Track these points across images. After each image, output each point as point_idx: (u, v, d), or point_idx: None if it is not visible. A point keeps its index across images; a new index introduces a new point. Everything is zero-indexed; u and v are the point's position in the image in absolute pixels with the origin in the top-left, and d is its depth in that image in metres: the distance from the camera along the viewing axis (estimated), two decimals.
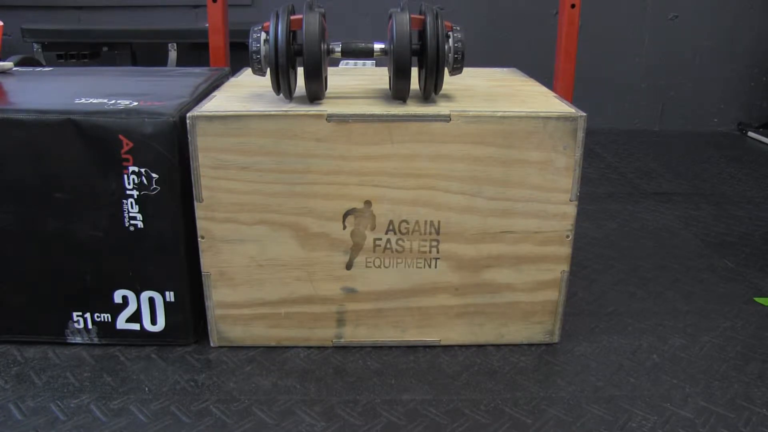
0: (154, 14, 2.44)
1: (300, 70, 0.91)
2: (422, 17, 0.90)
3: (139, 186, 0.91)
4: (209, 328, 0.99)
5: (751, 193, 1.77)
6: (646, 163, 2.08)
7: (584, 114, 0.90)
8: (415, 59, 0.91)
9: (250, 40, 0.90)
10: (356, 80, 1.14)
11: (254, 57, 0.90)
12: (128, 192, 0.91)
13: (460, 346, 1.01)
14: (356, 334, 1.00)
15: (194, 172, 0.90)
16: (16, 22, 2.16)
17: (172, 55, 2.14)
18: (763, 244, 1.42)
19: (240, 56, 1.32)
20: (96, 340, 1.00)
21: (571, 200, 0.93)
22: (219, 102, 0.94)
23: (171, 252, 0.94)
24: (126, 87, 1.06)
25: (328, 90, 0.99)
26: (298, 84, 0.96)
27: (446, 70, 0.92)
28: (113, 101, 0.94)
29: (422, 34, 0.90)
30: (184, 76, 1.16)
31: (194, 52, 2.15)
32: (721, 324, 1.09)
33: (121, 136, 0.89)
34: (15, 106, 0.92)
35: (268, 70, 0.91)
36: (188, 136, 0.88)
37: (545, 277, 0.97)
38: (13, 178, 0.91)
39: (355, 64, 1.63)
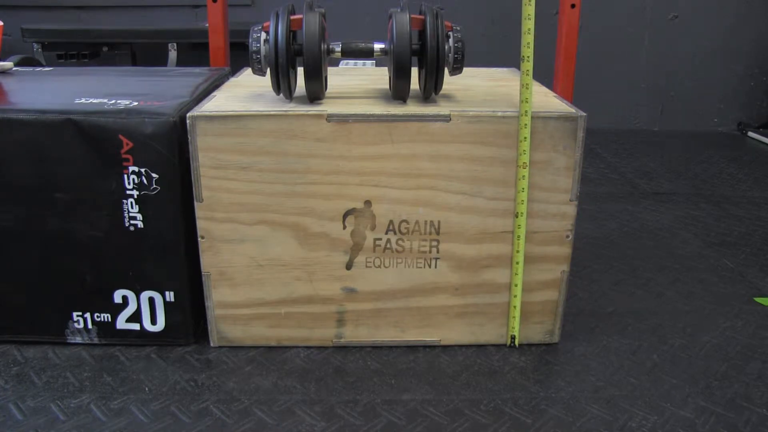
0: (154, 14, 2.43)
1: (300, 70, 0.91)
2: (422, 17, 0.90)
3: (139, 186, 0.91)
4: (209, 328, 0.99)
5: (751, 193, 1.77)
6: (646, 163, 2.07)
7: (584, 114, 0.90)
8: (415, 59, 0.91)
9: (250, 40, 0.90)
10: (356, 80, 1.14)
11: (254, 57, 0.90)
12: (128, 192, 0.91)
13: (460, 346, 1.01)
14: (356, 334, 1.00)
15: (194, 172, 0.90)
16: (16, 22, 2.16)
17: (172, 55, 2.14)
18: (763, 244, 1.42)
19: (240, 56, 1.32)
20: (96, 340, 1.00)
21: (571, 200, 0.93)
22: (219, 102, 0.94)
23: (171, 252, 0.94)
24: (126, 87, 1.06)
25: (328, 90, 0.99)
26: (298, 84, 0.96)
27: (446, 70, 0.92)
28: (113, 101, 0.94)
29: (422, 34, 0.90)
30: (184, 76, 1.16)
31: (194, 52, 2.15)
32: (721, 324, 1.09)
33: (121, 136, 0.89)
34: (15, 106, 0.92)
35: (268, 70, 0.91)
36: (188, 136, 0.88)
37: (545, 277, 0.97)
38: (13, 178, 0.91)
39: (355, 64, 1.63)
